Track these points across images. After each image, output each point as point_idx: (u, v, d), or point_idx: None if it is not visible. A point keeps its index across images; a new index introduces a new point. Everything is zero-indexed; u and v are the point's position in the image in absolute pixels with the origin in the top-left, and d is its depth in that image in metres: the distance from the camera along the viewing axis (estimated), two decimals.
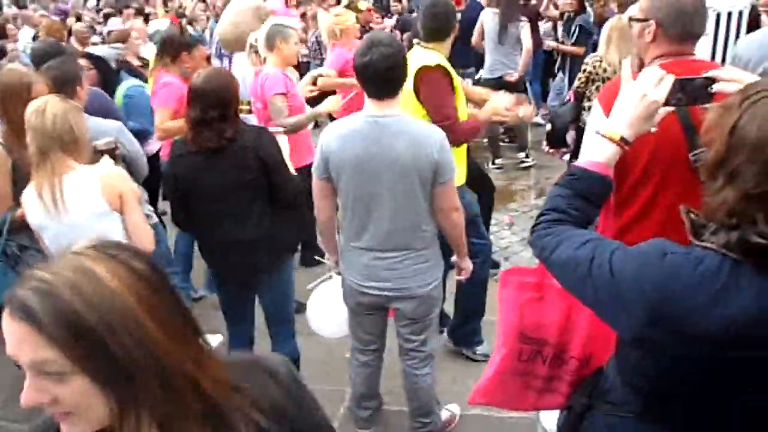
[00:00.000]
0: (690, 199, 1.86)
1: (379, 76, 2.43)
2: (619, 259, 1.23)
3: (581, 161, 1.44)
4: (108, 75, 4.73)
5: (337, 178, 2.56)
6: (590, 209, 1.41)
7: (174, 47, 4.21)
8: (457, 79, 3.31)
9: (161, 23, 5.72)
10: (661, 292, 1.15)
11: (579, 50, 6.75)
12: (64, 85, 3.09)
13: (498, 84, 6.31)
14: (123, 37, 5.43)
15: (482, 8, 6.66)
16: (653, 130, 1.42)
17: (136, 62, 5.29)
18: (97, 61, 4.71)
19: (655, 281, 1.16)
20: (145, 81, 4.77)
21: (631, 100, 1.39)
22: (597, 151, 1.42)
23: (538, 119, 7.28)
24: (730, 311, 1.11)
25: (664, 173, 1.94)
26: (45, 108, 2.42)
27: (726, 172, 1.13)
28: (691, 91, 1.40)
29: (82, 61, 4.52)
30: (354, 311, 2.81)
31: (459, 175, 3.39)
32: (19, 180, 2.78)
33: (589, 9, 7.27)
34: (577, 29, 6.82)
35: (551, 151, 6.08)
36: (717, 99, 1.38)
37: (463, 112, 3.31)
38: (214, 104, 2.67)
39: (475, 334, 3.69)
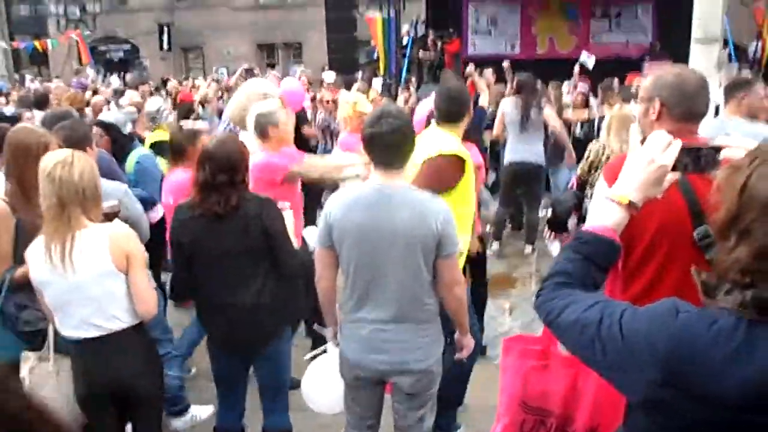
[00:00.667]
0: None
1: (387, 147, 2.48)
2: (629, 319, 1.20)
3: (589, 225, 1.44)
4: (119, 141, 4.81)
5: (339, 247, 2.55)
6: (598, 273, 1.39)
7: (180, 148, 4.21)
8: (470, 166, 3.29)
9: (157, 101, 5.96)
10: (675, 351, 1.13)
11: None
12: (75, 146, 3.13)
13: (522, 168, 6.50)
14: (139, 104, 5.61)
15: (485, 113, 6.93)
16: (660, 195, 1.43)
17: (145, 133, 5.43)
18: (108, 128, 4.80)
19: (669, 340, 1.14)
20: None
21: (639, 165, 1.41)
22: (605, 216, 1.42)
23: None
24: (747, 372, 1.08)
25: (670, 248, 1.94)
26: (72, 161, 2.41)
27: (738, 231, 1.13)
28: (699, 159, 1.41)
29: (96, 129, 4.63)
30: (351, 385, 2.72)
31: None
32: (21, 240, 2.77)
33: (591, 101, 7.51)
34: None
35: (552, 237, 6.10)
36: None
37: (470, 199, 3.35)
38: (223, 168, 2.71)
39: (453, 421, 3.60)
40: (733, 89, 3.70)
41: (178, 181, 3.85)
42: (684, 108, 2.02)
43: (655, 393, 1.15)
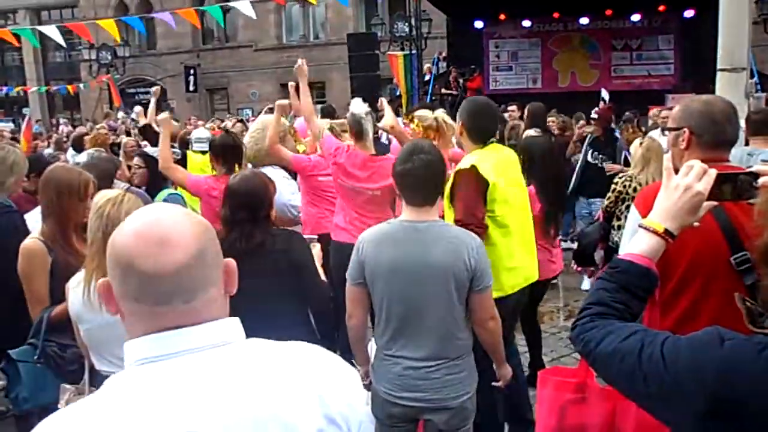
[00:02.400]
0: (733, 303, 1.83)
1: (419, 183, 2.48)
2: (671, 348, 1.18)
3: (625, 254, 1.42)
4: (157, 173, 4.91)
5: (371, 284, 2.54)
6: (635, 303, 1.37)
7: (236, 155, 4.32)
8: (505, 183, 3.21)
9: (202, 131, 6.30)
10: (722, 380, 1.10)
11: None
12: (99, 180, 3.21)
13: None
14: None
15: None
16: (696, 224, 1.41)
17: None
18: (149, 160, 4.91)
19: (716, 369, 1.11)
20: None
21: (674, 193, 1.39)
22: (640, 244, 1.40)
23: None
24: None
25: (706, 276, 1.92)
26: (122, 200, 2.49)
27: None
28: (735, 186, 1.40)
29: (136, 160, 4.75)
30: (383, 424, 2.68)
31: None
32: (55, 280, 2.81)
33: (617, 133, 7.50)
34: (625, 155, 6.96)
35: (578, 269, 6.02)
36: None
37: (521, 217, 3.31)
38: (243, 205, 2.73)
39: None
40: (764, 125, 3.62)
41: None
42: (713, 136, 2.01)
43: (702, 425, 1.12)
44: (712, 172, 1.39)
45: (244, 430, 1.02)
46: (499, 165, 3.24)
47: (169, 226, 1.05)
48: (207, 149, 5.55)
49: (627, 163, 6.81)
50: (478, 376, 2.68)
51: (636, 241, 1.42)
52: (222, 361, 1.06)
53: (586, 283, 6.56)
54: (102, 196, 2.52)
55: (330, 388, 1.13)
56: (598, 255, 4.90)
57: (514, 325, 3.86)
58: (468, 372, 2.59)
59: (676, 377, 1.15)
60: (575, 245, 4.99)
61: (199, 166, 5.50)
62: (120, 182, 4.25)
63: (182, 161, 5.62)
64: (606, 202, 4.79)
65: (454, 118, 10.66)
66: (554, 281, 6.71)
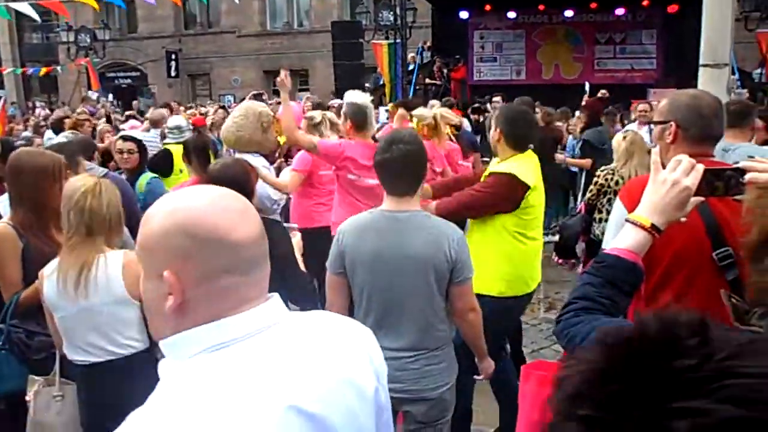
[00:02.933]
0: (717, 299, 1.84)
1: (398, 173, 2.45)
2: None
3: (611, 248, 1.40)
4: (144, 160, 4.82)
5: (351, 273, 2.51)
6: (621, 298, 1.35)
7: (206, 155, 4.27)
8: (536, 189, 3.22)
9: (179, 119, 6.01)
10: None
11: (583, 163, 6.92)
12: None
13: None
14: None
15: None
16: (683, 219, 1.40)
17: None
18: (139, 144, 4.77)
19: None
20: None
21: (662, 187, 1.37)
22: (627, 239, 1.38)
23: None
24: None
25: (689, 271, 1.91)
26: (101, 190, 2.48)
27: None
28: (723, 181, 1.38)
29: (127, 144, 4.63)
30: None
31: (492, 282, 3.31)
32: (27, 266, 2.76)
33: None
34: (583, 143, 7.02)
35: (560, 262, 6.05)
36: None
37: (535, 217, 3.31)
38: None
39: None
40: (739, 116, 3.64)
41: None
42: (700, 130, 2.00)
43: None
44: (700, 168, 1.37)
45: (333, 398, 1.06)
46: (536, 171, 3.29)
47: (239, 198, 1.11)
48: (182, 139, 5.46)
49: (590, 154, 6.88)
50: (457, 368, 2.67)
51: (622, 236, 1.40)
52: (294, 334, 1.10)
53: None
54: (78, 188, 2.48)
55: (372, 347, 1.22)
56: (580, 247, 4.92)
57: (521, 339, 3.91)
58: (447, 363, 2.58)
59: None
60: (556, 238, 5.01)
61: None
62: (93, 165, 4.17)
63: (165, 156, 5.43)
64: (588, 195, 4.81)
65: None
66: None
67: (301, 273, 2.85)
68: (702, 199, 1.40)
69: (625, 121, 8.28)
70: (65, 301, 2.42)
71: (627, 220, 1.41)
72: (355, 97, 4.23)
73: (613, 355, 0.60)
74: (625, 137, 4.69)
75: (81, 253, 2.43)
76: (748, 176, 1.36)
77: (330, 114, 4.89)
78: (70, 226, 2.45)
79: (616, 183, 4.60)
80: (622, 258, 1.36)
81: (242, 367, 1.00)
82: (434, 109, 4.92)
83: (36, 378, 2.63)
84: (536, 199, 3.24)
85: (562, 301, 5.71)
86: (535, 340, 5.29)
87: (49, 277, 2.46)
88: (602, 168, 4.85)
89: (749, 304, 1.15)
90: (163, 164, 5.18)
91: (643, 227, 1.37)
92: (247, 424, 0.95)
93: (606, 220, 4.64)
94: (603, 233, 4.59)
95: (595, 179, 4.75)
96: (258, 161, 4.33)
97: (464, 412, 3.39)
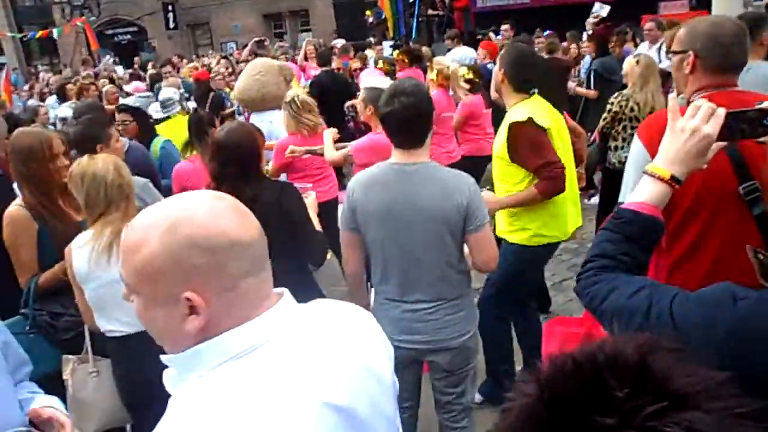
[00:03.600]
0: (742, 233, 1.80)
1: (402, 125, 2.39)
2: (681, 306, 1.12)
3: (628, 203, 1.35)
4: (146, 123, 4.79)
5: (364, 229, 2.49)
6: (641, 254, 1.31)
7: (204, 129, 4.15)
8: (555, 130, 3.17)
9: (170, 91, 5.77)
10: (737, 340, 1.04)
11: (592, 93, 6.72)
12: (84, 143, 3.11)
13: None
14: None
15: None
16: (705, 166, 1.34)
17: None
18: (135, 113, 4.76)
19: (729, 330, 1.05)
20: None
21: (681, 136, 1.30)
22: (645, 192, 1.32)
23: None
24: None
25: (713, 207, 1.85)
26: (120, 165, 2.54)
27: None
28: (745, 125, 1.31)
29: (121, 116, 4.60)
30: None
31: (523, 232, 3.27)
32: (47, 247, 2.76)
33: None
34: (592, 73, 6.80)
35: (580, 193, 5.98)
36: None
37: (568, 162, 3.24)
38: (233, 160, 2.64)
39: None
40: (753, 29, 3.43)
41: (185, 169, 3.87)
42: (720, 59, 1.90)
43: None
44: (721, 112, 1.29)
45: (358, 388, 1.05)
46: (551, 114, 3.20)
47: (229, 198, 1.07)
48: (173, 112, 5.34)
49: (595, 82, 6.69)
50: (479, 315, 2.67)
51: (640, 188, 1.34)
52: (311, 328, 1.08)
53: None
54: (90, 164, 2.50)
55: (379, 330, 1.22)
56: (597, 177, 4.85)
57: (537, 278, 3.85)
58: (467, 311, 2.57)
59: (686, 335, 1.10)
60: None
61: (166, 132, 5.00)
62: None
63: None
64: (602, 123, 4.70)
65: (442, 40, 10.33)
66: None
67: (316, 233, 2.83)
68: (724, 144, 1.33)
69: (637, 40, 7.97)
70: (99, 270, 2.42)
71: (645, 172, 1.35)
72: (374, 81, 4.09)
73: (542, 396, 0.60)
74: (638, 61, 4.52)
75: (107, 225, 2.46)
76: None
77: (302, 96, 4.61)
78: (86, 195, 2.47)
79: (631, 110, 4.47)
80: (640, 213, 1.30)
81: (271, 370, 0.98)
82: (452, 65, 4.87)
83: (70, 357, 2.67)
84: (556, 142, 3.15)
85: (582, 229, 5.69)
86: (557, 272, 5.27)
87: (80, 249, 2.46)
88: (616, 95, 4.70)
89: None
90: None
91: (662, 179, 1.31)
92: (290, 427, 0.94)
93: (622, 148, 4.55)
94: (619, 161, 4.53)
95: (609, 106, 4.61)
96: (265, 123, 4.25)
97: (503, 355, 3.46)
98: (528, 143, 3.06)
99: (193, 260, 0.96)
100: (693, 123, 1.29)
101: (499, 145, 3.22)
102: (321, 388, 0.99)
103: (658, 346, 0.61)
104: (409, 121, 2.38)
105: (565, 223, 3.28)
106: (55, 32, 18.49)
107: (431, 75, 5.30)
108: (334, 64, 7.77)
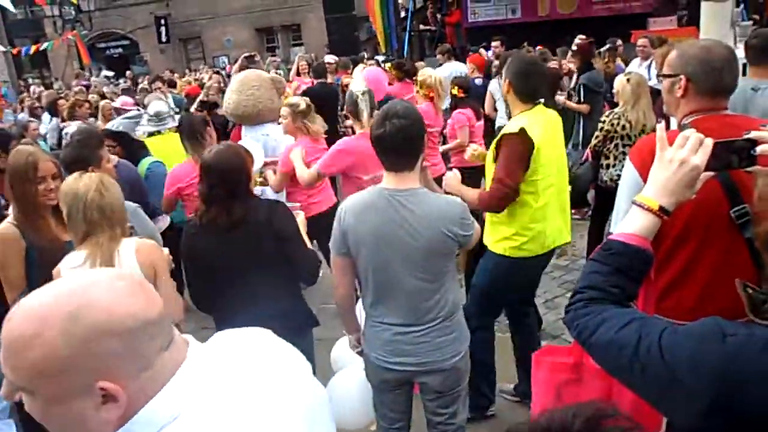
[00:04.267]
0: (734, 257, 1.81)
1: (395, 148, 2.39)
2: (670, 341, 1.11)
3: (618, 234, 1.34)
4: (131, 148, 4.76)
5: (356, 253, 2.48)
6: (630, 285, 1.30)
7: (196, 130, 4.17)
8: (546, 145, 3.14)
9: (161, 104, 5.70)
10: (722, 379, 1.04)
11: (584, 108, 6.76)
12: (74, 165, 3.09)
13: None
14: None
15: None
16: (693, 197, 1.33)
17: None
18: (118, 137, 4.75)
19: (717, 367, 1.05)
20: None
21: (669, 167, 1.30)
22: (634, 222, 1.32)
23: None
24: None
25: (704, 233, 1.86)
26: (107, 185, 2.53)
27: None
28: (734, 155, 1.31)
29: (106, 140, 4.58)
30: (378, 389, 2.68)
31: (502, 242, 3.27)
32: (34, 265, 2.75)
33: (596, 66, 7.33)
34: (581, 87, 6.84)
35: (573, 211, 5.98)
36: (761, 162, 1.30)
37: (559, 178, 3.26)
38: (221, 182, 2.64)
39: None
40: (763, 51, 3.38)
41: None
42: (712, 84, 1.91)
43: (701, 422, 1.06)
44: (708, 143, 1.29)
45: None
46: (546, 127, 3.16)
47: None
48: (165, 127, 5.31)
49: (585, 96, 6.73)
50: (469, 335, 2.66)
51: (629, 219, 1.34)
52: (234, 367, 1.05)
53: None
54: (84, 185, 2.51)
55: (294, 351, 1.19)
56: (590, 194, 4.86)
57: (534, 290, 3.81)
58: (458, 332, 2.56)
59: (674, 374, 1.09)
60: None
61: (160, 149, 4.98)
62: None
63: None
64: (594, 141, 4.71)
65: (434, 54, 10.35)
66: None
67: (307, 251, 2.83)
68: (711, 174, 1.33)
69: (625, 56, 8.04)
70: None
71: (634, 203, 1.34)
72: (353, 84, 4.10)
73: None
74: (628, 79, 4.54)
75: (103, 247, 2.46)
76: (759, 149, 1.29)
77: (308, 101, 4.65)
78: (78, 221, 2.47)
79: (623, 127, 4.49)
80: (629, 244, 1.29)
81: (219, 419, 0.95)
82: (434, 74, 4.92)
83: None
84: (544, 156, 3.11)
85: (573, 246, 5.66)
86: (548, 289, 5.26)
87: (73, 270, 2.42)
88: (608, 113, 4.72)
89: (766, 293, 1.10)
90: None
91: (651, 210, 1.30)
92: None
93: (614, 166, 4.57)
94: (611, 179, 4.55)
95: (601, 125, 4.63)
96: (256, 146, 4.23)
97: (484, 368, 3.41)
98: (507, 153, 3.03)
99: (103, 348, 0.88)
100: (681, 154, 1.29)
101: (489, 152, 3.23)
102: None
103: (607, 418, 0.59)
104: (401, 143, 2.37)
105: (543, 238, 3.22)
106: (46, 46, 18.49)
107: (416, 87, 5.32)
108: (329, 79, 7.84)
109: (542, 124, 3.14)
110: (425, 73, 5.10)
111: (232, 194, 2.64)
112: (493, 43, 9.01)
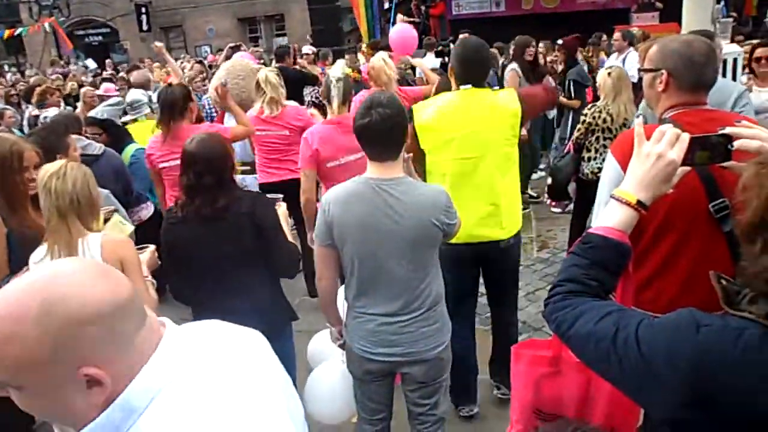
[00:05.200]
0: (712, 251, 1.83)
1: (378, 138, 2.39)
2: (646, 333, 1.12)
3: (596, 227, 1.35)
4: (115, 135, 4.71)
5: (341, 244, 2.47)
6: (608, 278, 1.31)
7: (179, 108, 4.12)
8: (440, 128, 3.21)
9: (137, 92, 5.64)
10: (699, 370, 1.05)
11: (575, 103, 6.79)
12: (47, 154, 3.05)
13: None
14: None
15: None
16: (670, 191, 1.34)
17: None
18: (103, 124, 4.70)
19: (691, 358, 1.06)
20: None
21: (646, 161, 1.31)
22: (613, 216, 1.33)
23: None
24: None
25: (684, 225, 1.88)
26: (65, 172, 2.46)
27: (765, 238, 1.04)
28: (709, 150, 1.32)
29: (91, 128, 4.53)
30: (361, 380, 2.68)
31: None
32: (14, 251, 2.73)
33: (580, 60, 7.38)
34: (571, 83, 6.87)
35: (553, 204, 6.03)
36: (736, 157, 1.31)
37: (443, 161, 3.23)
38: (206, 171, 2.61)
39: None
40: None
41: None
42: (692, 78, 1.93)
43: (677, 412, 1.07)
44: (685, 138, 1.30)
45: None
46: (454, 110, 3.15)
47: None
48: (140, 115, 5.27)
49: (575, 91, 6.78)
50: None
51: (608, 213, 1.34)
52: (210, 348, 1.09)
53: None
54: (46, 172, 2.48)
55: (264, 341, 1.25)
56: (571, 187, 4.89)
57: (475, 289, 3.57)
58: (441, 323, 2.57)
59: (650, 364, 1.09)
60: (549, 180, 4.96)
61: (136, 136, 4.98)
62: (88, 141, 4.07)
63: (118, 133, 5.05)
64: (576, 134, 4.73)
65: (420, 46, 10.29)
66: (526, 210, 6.75)
67: (288, 244, 2.81)
68: (688, 169, 1.34)
69: (608, 51, 8.11)
70: None
71: (612, 197, 1.35)
72: (332, 69, 4.08)
73: None
74: (610, 73, 4.57)
75: (60, 238, 2.43)
76: (737, 144, 1.30)
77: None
78: (44, 209, 2.47)
79: (604, 121, 4.52)
80: (608, 238, 1.30)
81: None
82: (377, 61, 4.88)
83: None
84: (441, 139, 3.13)
85: (555, 239, 5.69)
86: (530, 282, 5.29)
87: (38, 264, 2.43)
88: (590, 106, 4.75)
89: (741, 285, 1.10)
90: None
91: (629, 204, 1.31)
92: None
93: (595, 159, 4.59)
94: (592, 172, 4.57)
95: (583, 117, 4.65)
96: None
97: (463, 353, 3.33)
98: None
99: (80, 336, 0.90)
100: (658, 148, 1.30)
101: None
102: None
103: None
104: (386, 133, 2.38)
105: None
106: (21, 31, 18.11)
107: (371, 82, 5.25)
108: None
109: (449, 105, 3.17)
110: (373, 64, 4.95)
111: (218, 183, 2.62)
112: (461, 36, 8.89)
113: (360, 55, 10.02)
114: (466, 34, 8.69)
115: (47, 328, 0.88)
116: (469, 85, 3.18)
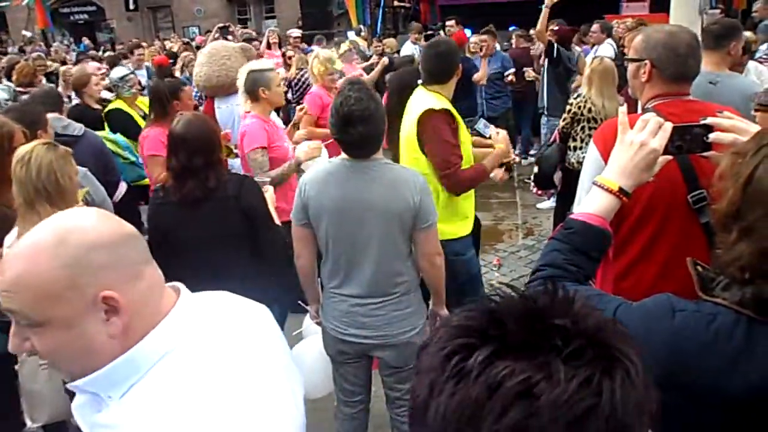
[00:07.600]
0: (690, 241, 1.85)
1: (359, 148, 2.40)
2: (624, 316, 1.14)
3: (578, 213, 1.36)
4: (93, 122, 4.67)
5: (316, 224, 2.50)
6: (588, 264, 1.32)
7: (165, 98, 4.09)
8: (462, 124, 3.25)
9: (122, 70, 5.56)
10: (672, 353, 1.07)
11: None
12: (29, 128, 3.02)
13: None
14: (81, 83, 5.27)
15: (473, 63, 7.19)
16: (652, 179, 1.36)
17: (95, 105, 5.18)
18: (78, 113, 4.65)
19: (666, 341, 1.08)
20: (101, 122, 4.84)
21: (629, 150, 1.33)
22: (594, 203, 1.34)
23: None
24: (749, 375, 1.02)
25: (663, 214, 1.90)
26: (30, 158, 2.40)
27: (741, 226, 1.06)
28: (690, 139, 1.35)
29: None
30: (336, 360, 2.71)
31: (465, 225, 3.32)
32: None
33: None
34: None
35: (539, 193, 6.04)
36: (715, 147, 1.33)
37: (468, 157, 3.24)
38: (198, 151, 2.60)
39: None
40: (721, 37, 3.44)
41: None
42: (676, 69, 1.95)
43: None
44: (668, 127, 1.32)
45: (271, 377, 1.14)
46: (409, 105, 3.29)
47: (103, 210, 1.10)
48: (124, 93, 5.22)
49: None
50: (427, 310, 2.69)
51: (590, 199, 1.36)
52: (216, 312, 1.16)
53: (546, 205, 6.59)
54: (16, 160, 2.43)
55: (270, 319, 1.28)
56: (557, 176, 4.91)
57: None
58: (414, 308, 2.58)
59: None
60: (535, 169, 4.97)
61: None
62: (68, 121, 4.02)
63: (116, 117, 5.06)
64: (561, 123, 4.75)
65: (407, 31, 10.26)
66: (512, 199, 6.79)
67: (273, 226, 2.81)
68: (670, 158, 1.36)
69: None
70: None
71: (594, 183, 1.36)
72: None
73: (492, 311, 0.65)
74: (596, 65, 4.59)
75: (29, 224, 2.38)
76: (712, 136, 1.32)
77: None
78: (16, 196, 2.43)
79: (589, 110, 4.54)
80: (589, 224, 1.32)
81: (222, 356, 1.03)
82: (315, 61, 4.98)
83: None
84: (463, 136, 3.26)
85: (540, 226, 5.71)
86: (515, 268, 5.34)
87: (10, 247, 2.39)
88: (575, 95, 4.77)
89: (716, 273, 1.13)
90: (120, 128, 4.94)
91: (610, 191, 1.33)
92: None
93: (580, 148, 4.62)
94: (578, 161, 4.59)
95: (568, 107, 4.67)
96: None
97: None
98: (438, 135, 3.16)
99: (96, 260, 0.96)
100: (641, 137, 1.32)
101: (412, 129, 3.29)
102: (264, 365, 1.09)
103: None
104: (364, 145, 2.40)
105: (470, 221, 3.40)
106: (4, 6, 17.74)
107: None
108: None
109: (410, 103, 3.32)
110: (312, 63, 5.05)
111: (208, 163, 2.62)
112: (448, 23, 8.77)
113: (359, 39, 9.95)
114: (450, 26, 8.72)
115: (63, 256, 0.94)
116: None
